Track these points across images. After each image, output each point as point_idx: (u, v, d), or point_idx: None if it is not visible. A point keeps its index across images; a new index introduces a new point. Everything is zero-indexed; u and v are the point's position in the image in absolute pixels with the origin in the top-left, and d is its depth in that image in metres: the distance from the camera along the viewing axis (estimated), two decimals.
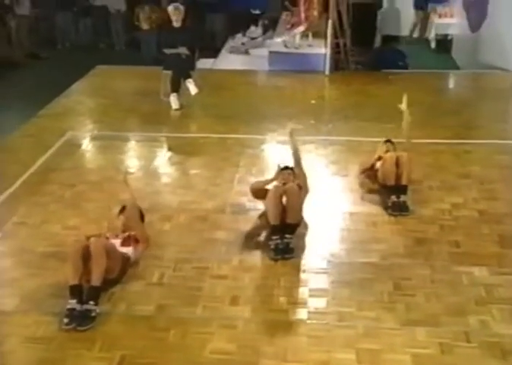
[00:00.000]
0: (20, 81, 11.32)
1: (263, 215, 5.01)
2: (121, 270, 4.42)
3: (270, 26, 12.60)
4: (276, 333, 3.95)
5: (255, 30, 12.55)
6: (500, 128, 7.34)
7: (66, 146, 7.04)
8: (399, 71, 10.33)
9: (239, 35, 12.61)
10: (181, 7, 8.17)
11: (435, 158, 6.44)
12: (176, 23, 8.08)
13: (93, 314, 4.03)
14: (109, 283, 4.31)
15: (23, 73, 11.98)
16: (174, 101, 8.18)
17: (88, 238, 4.36)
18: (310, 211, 5.17)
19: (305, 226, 5.10)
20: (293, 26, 10.93)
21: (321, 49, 9.95)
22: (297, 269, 4.62)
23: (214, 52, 11.73)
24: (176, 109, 8.17)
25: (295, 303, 4.25)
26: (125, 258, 4.50)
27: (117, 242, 4.53)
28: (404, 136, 5.93)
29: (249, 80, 9.87)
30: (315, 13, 10.69)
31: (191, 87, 8.12)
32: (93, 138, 7.39)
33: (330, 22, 9.78)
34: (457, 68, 11.64)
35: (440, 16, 13.89)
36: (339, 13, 9.97)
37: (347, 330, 3.95)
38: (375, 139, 6.32)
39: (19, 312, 4.17)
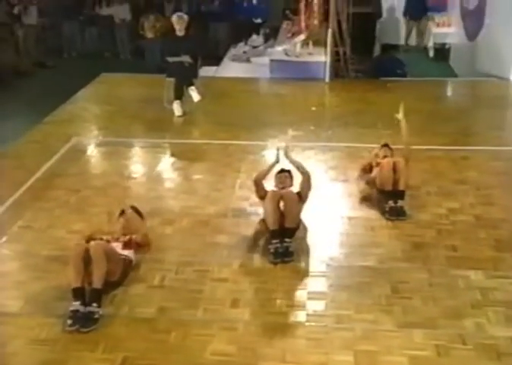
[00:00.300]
0: (27, 89, 11.39)
1: (262, 221, 5.00)
2: (122, 273, 4.43)
3: (272, 35, 12.65)
4: (276, 335, 3.94)
5: (257, 39, 12.61)
6: (497, 135, 7.34)
7: (71, 152, 7.05)
8: (397, 79, 10.37)
9: (241, 43, 12.67)
10: (185, 17, 8.21)
11: (433, 164, 6.44)
12: (180, 32, 8.11)
13: (96, 316, 4.03)
14: (110, 285, 4.32)
15: (30, 81, 12.06)
16: (177, 108, 8.20)
17: (88, 240, 4.39)
18: (309, 215, 5.15)
19: (305, 230, 5.09)
20: (294, 34, 10.98)
21: (321, 57, 9.97)
22: (296, 272, 4.62)
23: (216, 60, 11.77)
24: (179, 116, 8.19)
25: (294, 305, 4.24)
26: (127, 261, 4.50)
27: (118, 245, 4.53)
28: (404, 144, 5.90)
29: (251, 88, 9.89)
30: (315, 22, 10.74)
31: (194, 94, 8.13)
32: (98, 144, 7.41)
33: (330, 31, 9.81)
34: (455, 76, 11.67)
35: (438, 25, 13.94)
36: (339, 22, 10.01)
37: (345, 332, 3.95)
38: (374, 145, 6.31)
39: (23, 315, 4.17)
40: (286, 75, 9.87)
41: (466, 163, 6.56)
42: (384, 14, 13.99)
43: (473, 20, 11.41)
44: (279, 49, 10.83)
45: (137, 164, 7.00)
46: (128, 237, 4.64)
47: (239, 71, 11.02)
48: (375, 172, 5.71)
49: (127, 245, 4.57)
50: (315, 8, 10.77)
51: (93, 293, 4.12)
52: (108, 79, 10.32)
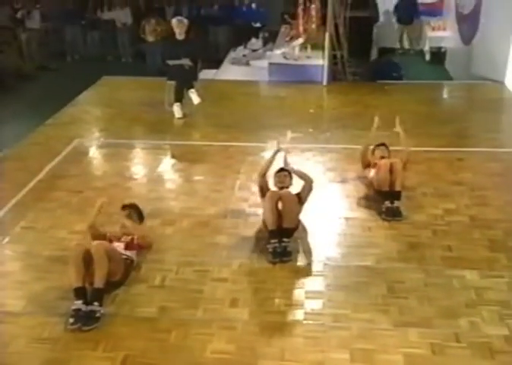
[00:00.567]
0: (30, 92, 11.41)
1: (262, 221, 5.02)
2: (124, 273, 4.43)
3: (270, 39, 12.66)
4: (274, 334, 3.94)
5: (256, 43, 12.61)
6: (491, 137, 7.33)
7: (73, 153, 7.06)
8: (394, 81, 10.36)
9: (240, 47, 12.68)
10: (185, 21, 8.21)
11: (428, 166, 6.44)
12: (180, 36, 8.11)
13: (98, 315, 4.03)
14: (112, 285, 4.32)
15: (33, 84, 12.06)
16: (177, 110, 8.21)
17: (94, 237, 4.40)
18: (308, 216, 5.17)
19: (303, 231, 5.11)
20: (292, 38, 11.00)
21: (319, 61, 9.97)
22: (294, 272, 4.62)
23: (216, 64, 11.78)
24: (179, 118, 8.19)
25: (292, 304, 4.24)
26: (128, 262, 4.50)
27: (120, 245, 4.53)
28: (404, 154, 5.90)
29: (250, 91, 9.88)
30: (313, 26, 10.77)
31: (194, 96, 8.14)
32: (100, 146, 7.41)
33: (327, 35, 9.81)
34: (450, 79, 11.69)
35: (433, 29, 13.97)
36: (336, 26, 10.00)
37: (342, 331, 3.95)
38: (371, 147, 6.31)
39: (26, 314, 4.17)
40: (284, 78, 9.88)
41: (461, 165, 6.56)
42: (381, 18, 14.02)
43: (468, 25, 11.42)
44: (277, 52, 10.84)
45: (138, 165, 6.99)
46: (129, 238, 4.63)
47: (239, 74, 11.02)
48: (372, 173, 5.72)
49: (129, 245, 4.56)
50: (313, 12, 10.81)
51: (95, 293, 4.12)
52: (109, 82, 10.32)
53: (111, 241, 4.56)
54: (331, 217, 5.47)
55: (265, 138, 7.15)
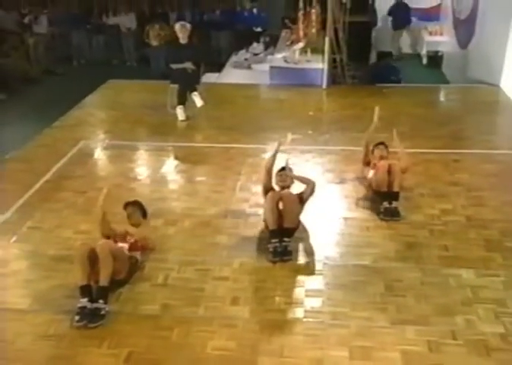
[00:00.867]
0: (37, 95, 11.40)
1: (263, 221, 5.02)
2: (128, 272, 4.43)
3: (271, 43, 12.63)
4: (274, 332, 3.94)
5: (257, 47, 12.60)
6: (487, 139, 7.31)
7: (79, 155, 7.05)
8: (392, 85, 10.34)
9: (242, 51, 12.66)
10: (188, 25, 8.21)
11: (426, 167, 6.43)
12: (183, 40, 8.11)
13: (103, 312, 4.04)
14: (117, 283, 4.32)
15: (40, 88, 12.06)
16: (180, 113, 8.21)
17: (105, 236, 4.44)
18: (307, 216, 5.16)
19: (303, 231, 5.10)
20: (293, 42, 10.97)
21: (319, 64, 9.95)
22: (294, 271, 4.62)
23: (219, 67, 11.77)
24: (182, 121, 8.19)
25: (291, 303, 4.24)
26: (133, 261, 4.50)
27: (125, 246, 4.52)
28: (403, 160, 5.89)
29: (251, 94, 9.88)
30: (313, 30, 10.74)
31: (197, 99, 8.13)
32: (105, 148, 7.40)
33: (327, 39, 9.80)
34: (447, 82, 11.68)
35: (430, 34, 13.96)
36: (336, 30, 9.99)
37: (341, 329, 3.95)
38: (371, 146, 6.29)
39: (32, 312, 4.17)
40: (285, 81, 9.87)
41: (457, 166, 6.54)
42: (379, 23, 14.01)
43: (465, 30, 11.41)
44: (278, 56, 10.82)
45: (141, 167, 6.99)
46: (133, 239, 4.62)
47: (240, 77, 11.01)
48: (371, 174, 5.71)
49: (133, 246, 4.55)
50: (313, 17, 10.78)
51: (100, 291, 4.13)
52: (114, 85, 10.32)
53: (116, 241, 4.55)
54: (330, 217, 5.47)
55: (265, 140, 7.18)
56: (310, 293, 4.33)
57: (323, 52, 9.95)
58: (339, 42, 10.15)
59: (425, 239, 5.04)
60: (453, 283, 4.41)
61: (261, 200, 5.30)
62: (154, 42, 12.91)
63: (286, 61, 10.37)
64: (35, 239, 5.15)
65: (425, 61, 13.93)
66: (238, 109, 8.84)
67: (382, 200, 5.44)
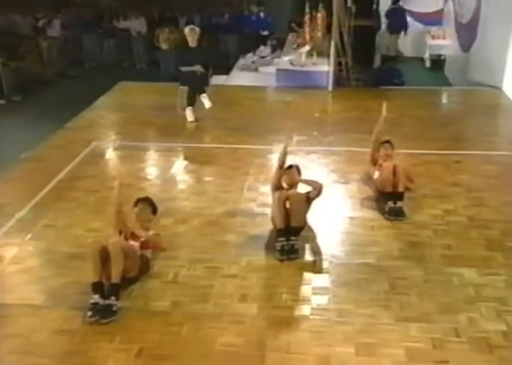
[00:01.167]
0: (50, 97, 11.45)
1: (271, 220, 5.02)
2: (140, 269, 4.42)
3: (278, 46, 12.65)
4: (281, 328, 3.94)
5: (264, 50, 12.61)
6: (488, 141, 7.29)
7: (91, 155, 7.06)
8: (396, 87, 10.32)
9: (249, 54, 12.67)
10: (197, 29, 8.20)
11: (428, 168, 6.41)
12: (192, 44, 8.10)
13: (115, 308, 4.04)
14: (128, 281, 4.32)
15: (53, 90, 12.11)
16: (189, 114, 8.21)
17: (120, 232, 4.47)
18: (313, 215, 5.15)
19: (309, 230, 5.10)
20: (299, 46, 10.99)
21: (325, 67, 9.96)
22: (301, 269, 4.61)
23: (226, 70, 11.77)
24: (191, 122, 8.19)
25: (298, 300, 4.24)
26: (144, 259, 4.50)
27: (136, 244, 4.52)
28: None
29: (258, 96, 9.88)
30: (319, 34, 10.76)
31: (206, 101, 8.14)
32: (116, 148, 7.41)
33: (332, 42, 9.79)
34: (450, 85, 11.64)
35: (433, 37, 13.92)
36: (341, 34, 9.99)
37: (346, 326, 3.94)
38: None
39: (46, 308, 4.18)
40: (291, 84, 9.86)
41: (459, 167, 6.52)
42: (383, 27, 13.97)
43: (467, 33, 11.38)
44: (285, 59, 10.83)
45: (151, 167, 7.00)
46: (144, 238, 4.62)
47: (248, 79, 11.00)
48: (376, 175, 5.70)
49: (144, 244, 4.55)
50: (319, 21, 10.81)
51: (112, 287, 4.13)
52: (125, 87, 10.34)
53: (126, 239, 4.56)
54: (336, 216, 5.46)
55: (272, 141, 7.18)
56: (316, 291, 4.32)
57: (328, 56, 9.95)
58: (344, 46, 10.15)
59: (427, 238, 5.03)
60: (455, 281, 4.40)
61: (269, 200, 5.30)
62: (164, 46, 12.94)
63: (292, 64, 10.38)
64: (49, 237, 5.16)
65: (427, 64, 13.90)
66: (246, 110, 8.84)
67: (387, 200, 5.42)
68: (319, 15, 10.85)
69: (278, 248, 4.72)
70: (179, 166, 6.91)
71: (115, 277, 4.15)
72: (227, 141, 7.41)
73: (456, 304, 4.14)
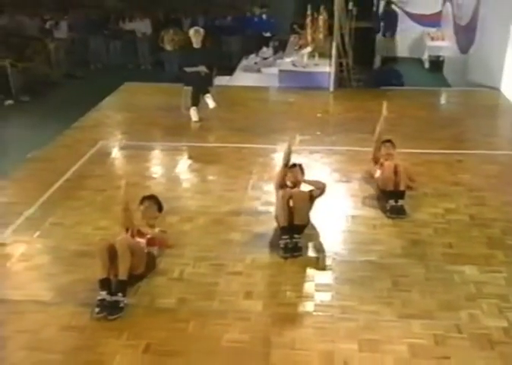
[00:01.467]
0: (57, 98, 11.44)
1: (275, 218, 5.00)
2: (146, 266, 4.41)
3: (280, 48, 12.60)
4: (286, 324, 3.93)
5: (267, 51, 12.56)
6: (488, 141, 7.25)
7: (97, 155, 7.04)
8: (396, 88, 10.29)
9: (252, 55, 12.62)
10: (201, 31, 8.18)
11: (429, 167, 6.38)
12: (196, 45, 8.08)
13: (121, 305, 4.03)
14: (135, 278, 4.31)
15: (60, 91, 12.09)
16: (194, 114, 8.19)
17: (127, 230, 4.46)
18: (316, 214, 5.13)
19: (312, 228, 5.07)
20: (301, 47, 10.97)
21: (326, 68, 9.92)
22: (304, 266, 4.60)
23: (230, 71, 11.72)
24: (196, 121, 8.17)
25: (302, 297, 4.23)
26: (150, 256, 4.48)
27: (142, 241, 4.50)
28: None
29: (261, 96, 9.85)
30: (321, 36, 10.74)
31: (209, 101, 8.11)
32: (122, 148, 7.39)
33: (334, 44, 9.76)
34: (448, 86, 11.60)
35: (432, 39, 13.87)
36: (342, 36, 9.95)
37: (349, 322, 3.93)
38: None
39: (55, 304, 4.17)
40: (293, 84, 9.83)
41: (460, 167, 6.49)
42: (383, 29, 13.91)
43: (466, 35, 11.33)
44: (287, 60, 10.78)
45: (157, 166, 6.98)
46: (150, 235, 4.60)
47: (250, 80, 10.97)
48: (378, 174, 5.68)
49: (150, 242, 4.54)
50: (320, 23, 10.78)
51: (119, 284, 4.12)
52: (130, 88, 10.31)
53: (133, 236, 4.54)
54: (338, 215, 5.44)
55: (275, 141, 7.16)
56: (319, 288, 4.31)
57: (330, 57, 9.92)
58: (345, 47, 10.11)
59: (429, 236, 5.00)
60: (456, 279, 4.38)
61: (272, 198, 5.28)
62: (168, 47, 12.93)
63: (294, 65, 10.34)
64: (57, 234, 5.15)
65: (426, 65, 13.85)
66: (249, 110, 8.81)
67: (388, 198, 5.40)
68: (321, 17, 10.83)
69: (282, 246, 4.71)
70: (184, 166, 6.89)
71: (123, 274, 4.13)
72: (231, 141, 7.39)
73: (457, 301, 4.12)
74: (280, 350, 3.69)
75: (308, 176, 5.23)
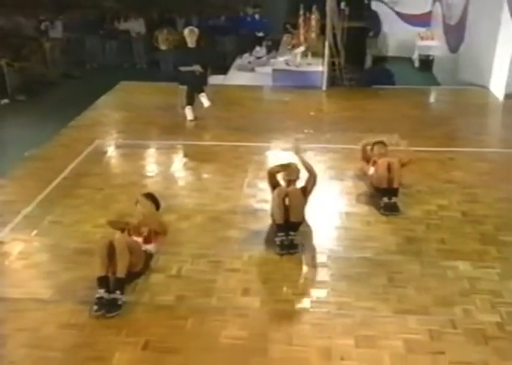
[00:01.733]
0: (54, 97, 11.35)
1: (271, 216, 4.97)
2: (144, 264, 4.37)
3: (273, 47, 12.57)
4: (283, 321, 3.90)
5: (260, 50, 12.52)
6: (478, 139, 7.25)
7: (94, 154, 6.98)
8: (387, 87, 10.28)
9: (246, 54, 12.58)
10: (196, 30, 8.12)
11: (422, 165, 6.31)
12: (191, 44, 8.02)
13: (120, 302, 3.99)
14: (133, 275, 4.26)
15: (56, 90, 12.00)
16: (189, 113, 8.14)
17: (122, 229, 4.41)
18: (311, 211, 5.10)
19: (308, 225, 5.05)
20: (294, 46, 10.93)
21: (319, 67, 9.91)
22: (300, 263, 4.57)
23: (224, 70, 11.69)
24: (191, 120, 8.12)
25: (299, 293, 4.20)
26: (148, 254, 4.44)
27: (139, 239, 4.46)
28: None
29: (255, 95, 9.82)
30: (313, 35, 10.70)
31: (204, 100, 8.08)
32: (118, 146, 7.33)
33: (326, 43, 9.73)
34: (438, 84, 11.62)
35: (422, 38, 13.89)
36: (334, 35, 9.92)
37: (346, 318, 3.90)
38: (368, 147, 6.23)
39: (54, 302, 4.12)
40: (286, 83, 9.80)
41: (452, 164, 6.48)
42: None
43: (455, 34, 11.35)
44: (280, 59, 10.75)
45: (153, 164, 6.93)
46: (147, 231, 4.55)
47: (245, 79, 10.94)
48: (372, 171, 5.66)
49: (147, 239, 4.49)
50: (313, 23, 10.74)
51: (117, 282, 4.08)
52: (126, 87, 10.24)
53: (130, 235, 4.49)
54: (333, 212, 5.42)
55: (271, 139, 7.14)
56: (316, 285, 4.29)
57: (322, 56, 9.89)
58: (337, 47, 10.08)
59: (423, 233, 4.99)
60: (450, 274, 4.37)
61: (268, 196, 5.24)
62: (163, 46, 12.88)
63: (287, 64, 10.31)
64: (56, 232, 5.09)
65: (416, 64, 13.87)
66: (244, 109, 8.77)
67: (382, 196, 5.38)
68: (313, 17, 10.78)
69: (278, 243, 4.68)
70: (181, 164, 6.84)
71: (121, 272, 4.09)
72: (227, 139, 7.34)
73: (451, 297, 4.10)
74: (278, 346, 3.66)
75: (301, 175, 5.16)
